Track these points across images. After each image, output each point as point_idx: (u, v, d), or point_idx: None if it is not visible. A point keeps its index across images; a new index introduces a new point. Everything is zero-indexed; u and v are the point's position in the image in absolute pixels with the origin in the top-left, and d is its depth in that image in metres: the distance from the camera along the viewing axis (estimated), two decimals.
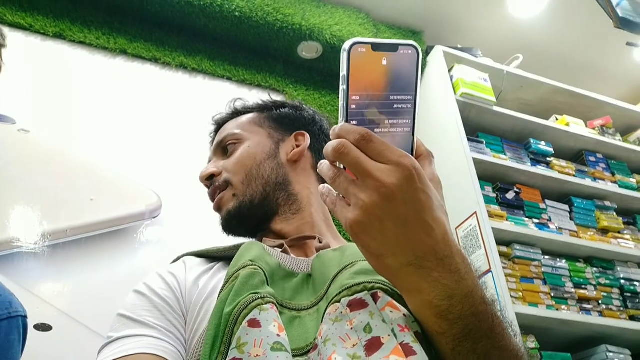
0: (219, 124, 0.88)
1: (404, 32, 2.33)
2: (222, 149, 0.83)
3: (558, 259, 1.80)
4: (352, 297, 0.49)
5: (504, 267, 1.62)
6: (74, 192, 1.42)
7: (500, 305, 0.47)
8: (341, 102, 0.44)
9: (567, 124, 2.19)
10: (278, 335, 0.47)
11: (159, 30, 1.94)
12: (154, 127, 1.68)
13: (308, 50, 2.09)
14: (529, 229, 1.78)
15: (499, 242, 1.66)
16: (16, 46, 1.65)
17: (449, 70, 2.07)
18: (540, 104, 2.33)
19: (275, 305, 0.51)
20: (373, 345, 0.45)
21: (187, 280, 0.63)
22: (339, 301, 0.50)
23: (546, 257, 1.79)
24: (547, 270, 1.75)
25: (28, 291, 1.21)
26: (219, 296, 0.54)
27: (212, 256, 0.70)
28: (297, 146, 0.82)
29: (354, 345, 0.45)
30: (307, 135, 0.84)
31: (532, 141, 2.06)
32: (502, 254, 1.66)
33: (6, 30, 1.65)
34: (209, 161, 0.85)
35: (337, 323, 0.48)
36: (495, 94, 2.05)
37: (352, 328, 0.47)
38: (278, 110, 0.87)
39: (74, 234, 1.33)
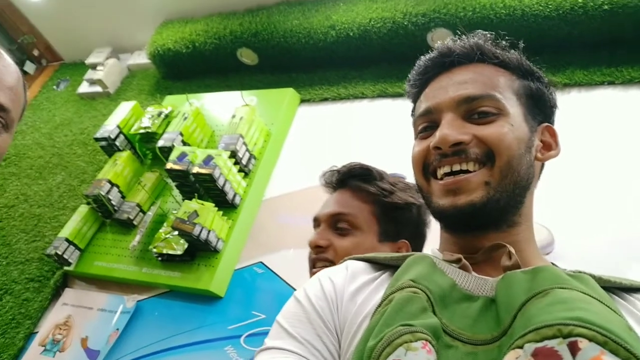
0: (457, 57, 0.62)
1: None
2: (471, 108, 0.58)
3: None
4: (540, 344, 0.38)
5: None
6: None
7: None
8: None
9: None
10: None
11: None
12: None
13: None
14: None
15: None
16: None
17: None
18: None
19: (430, 343, 0.42)
20: None
21: (344, 292, 0.56)
22: (521, 346, 0.39)
23: None
24: None
25: None
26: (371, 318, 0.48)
27: (379, 262, 0.59)
28: (545, 144, 0.62)
29: None
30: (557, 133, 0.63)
31: None
32: None
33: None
34: (432, 108, 0.60)
35: None
36: None
37: None
38: (537, 85, 0.63)
39: None
